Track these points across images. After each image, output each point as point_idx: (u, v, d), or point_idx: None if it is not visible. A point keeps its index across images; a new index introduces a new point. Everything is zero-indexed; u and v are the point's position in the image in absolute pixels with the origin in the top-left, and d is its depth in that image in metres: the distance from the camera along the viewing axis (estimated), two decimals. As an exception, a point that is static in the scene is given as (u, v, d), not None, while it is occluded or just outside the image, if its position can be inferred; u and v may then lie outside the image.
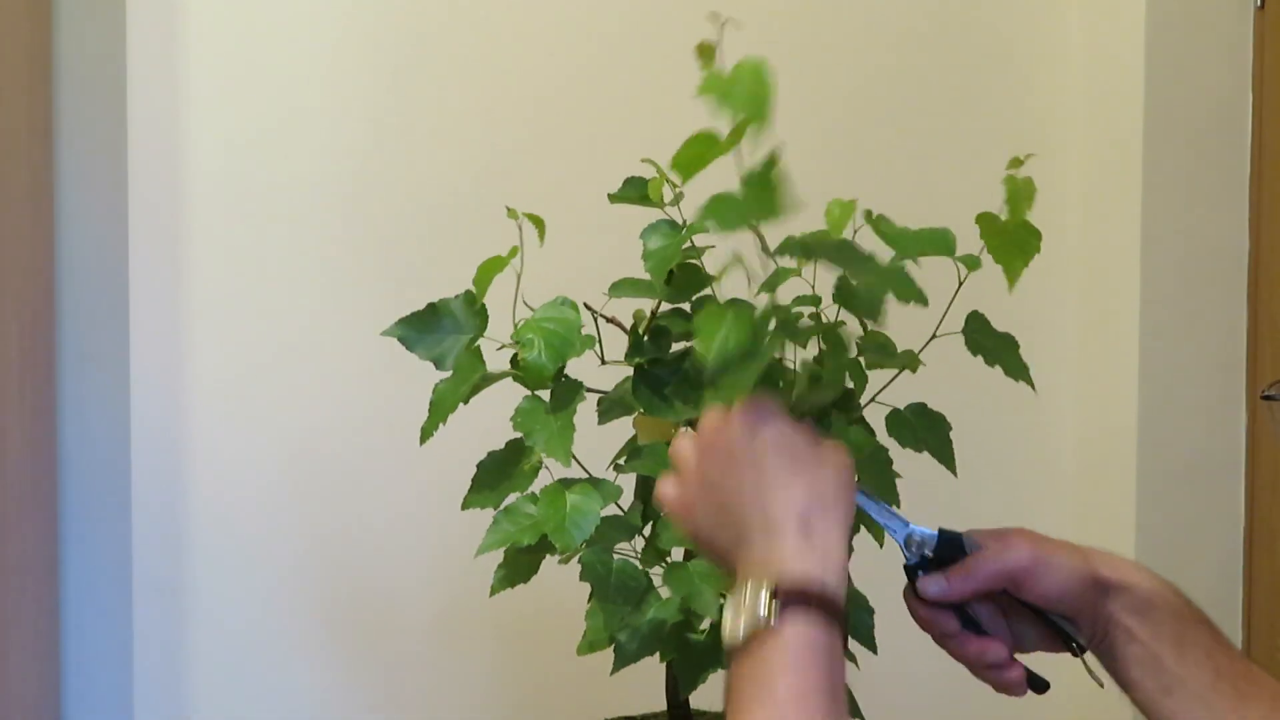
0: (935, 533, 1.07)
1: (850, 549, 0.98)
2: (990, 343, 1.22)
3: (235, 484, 1.85)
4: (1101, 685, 1.09)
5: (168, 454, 1.83)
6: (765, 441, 0.97)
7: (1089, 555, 1.08)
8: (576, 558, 1.18)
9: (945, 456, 1.22)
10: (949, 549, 1.07)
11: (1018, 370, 1.22)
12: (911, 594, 1.07)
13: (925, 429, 1.21)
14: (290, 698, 1.88)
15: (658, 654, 1.20)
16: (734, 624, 0.91)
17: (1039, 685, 1.09)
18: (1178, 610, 1.08)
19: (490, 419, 1.19)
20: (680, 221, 1.20)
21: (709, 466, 0.98)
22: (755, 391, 0.98)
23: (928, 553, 1.07)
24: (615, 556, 1.18)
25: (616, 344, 1.23)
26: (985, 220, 1.19)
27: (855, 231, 1.19)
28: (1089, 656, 1.09)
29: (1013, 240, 1.17)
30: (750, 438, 0.97)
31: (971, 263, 1.19)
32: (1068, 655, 1.11)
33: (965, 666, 1.09)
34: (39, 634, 1.78)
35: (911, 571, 1.07)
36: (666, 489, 1.00)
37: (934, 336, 1.23)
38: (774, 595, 0.90)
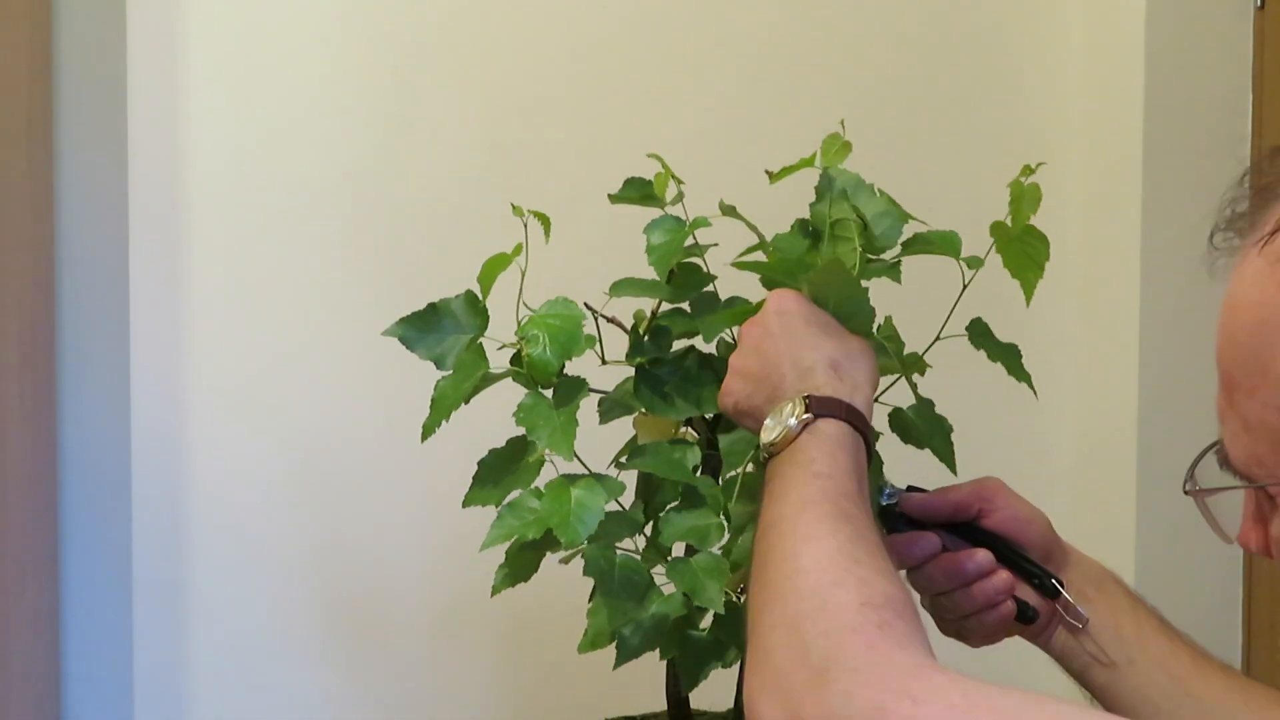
0: (904, 487, 1.17)
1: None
2: (993, 349, 1.23)
3: (236, 484, 1.85)
4: (1081, 625, 1.11)
5: (168, 454, 1.83)
6: (795, 313, 1.07)
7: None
8: (578, 556, 1.19)
9: (946, 455, 1.22)
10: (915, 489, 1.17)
11: (1019, 373, 1.23)
12: (893, 526, 1.14)
13: (927, 429, 1.21)
14: (291, 697, 1.88)
15: (658, 652, 1.20)
16: (772, 429, 1.01)
17: (1027, 613, 1.13)
18: (1126, 588, 1.14)
19: (491, 420, 1.19)
20: (684, 218, 1.21)
21: (747, 339, 1.09)
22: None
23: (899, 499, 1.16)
24: (618, 552, 1.18)
25: (617, 344, 1.23)
26: (999, 229, 1.19)
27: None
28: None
29: (1021, 249, 1.18)
30: (780, 310, 1.08)
31: (973, 262, 1.19)
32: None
33: (948, 603, 1.14)
34: (39, 634, 1.78)
35: (887, 512, 1.14)
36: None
37: (938, 338, 1.23)
38: (807, 409, 1.00)
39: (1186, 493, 0.94)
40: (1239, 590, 1.96)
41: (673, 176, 1.21)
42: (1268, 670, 1.90)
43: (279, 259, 1.85)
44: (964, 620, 1.14)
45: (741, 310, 1.19)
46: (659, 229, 1.20)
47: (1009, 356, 1.23)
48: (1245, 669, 1.91)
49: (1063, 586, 1.12)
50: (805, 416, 1.00)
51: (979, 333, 1.22)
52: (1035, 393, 1.23)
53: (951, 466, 1.22)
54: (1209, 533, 2.04)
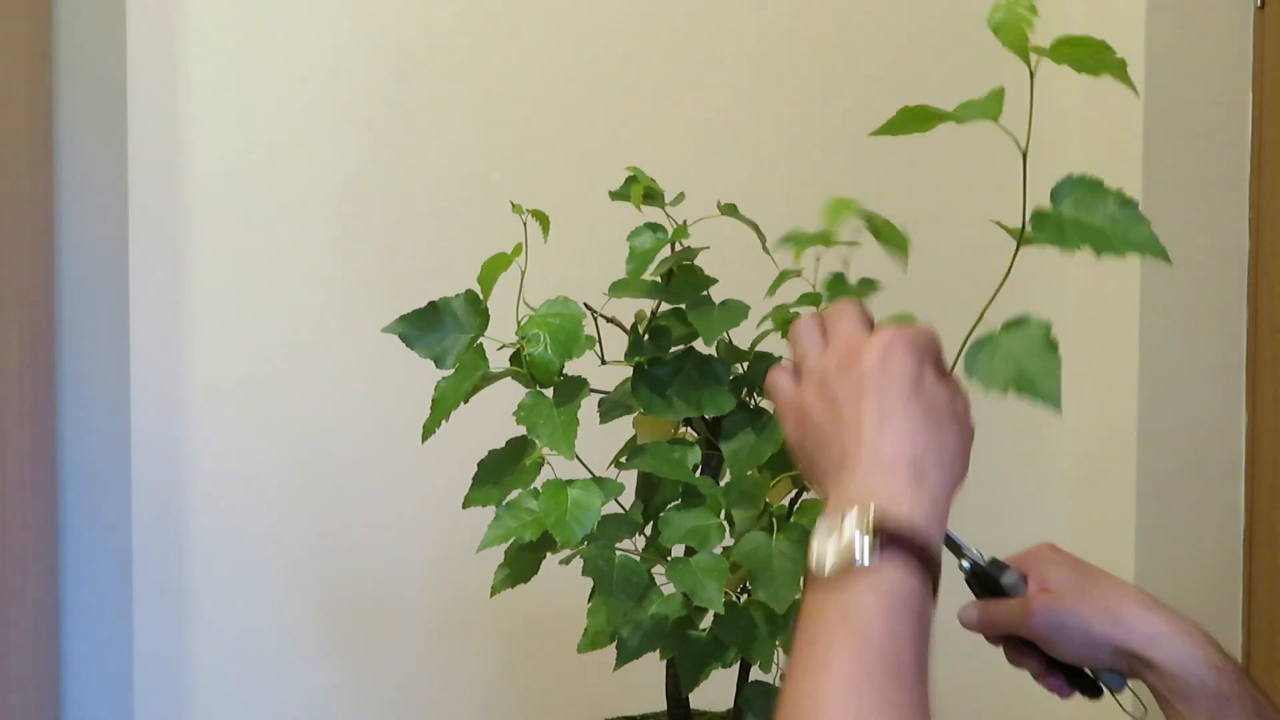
0: (985, 559, 1.08)
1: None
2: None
3: (235, 484, 1.85)
4: (1145, 712, 1.08)
5: (168, 454, 1.83)
6: (900, 375, 0.91)
7: (1120, 613, 1.05)
8: (578, 556, 1.19)
9: None
10: (987, 578, 1.08)
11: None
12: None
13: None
14: (291, 698, 1.88)
15: (658, 652, 1.20)
16: (822, 553, 0.85)
17: (1091, 690, 1.09)
18: (1216, 691, 1.05)
19: (492, 420, 1.19)
20: (672, 222, 1.21)
21: (836, 380, 0.93)
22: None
23: (967, 565, 1.08)
24: (617, 553, 1.18)
25: (617, 344, 1.23)
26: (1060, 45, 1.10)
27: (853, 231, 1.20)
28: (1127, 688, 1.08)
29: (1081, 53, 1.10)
30: (884, 365, 0.92)
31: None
32: None
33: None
34: (39, 634, 1.78)
35: (968, 579, 1.09)
36: (782, 380, 0.97)
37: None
38: (876, 533, 0.84)
39: None
40: (1239, 590, 1.96)
41: (649, 185, 1.21)
42: (1267, 670, 1.90)
43: (279, 259, 1.85)
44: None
45: (736, 312, 1.19)
46: (640, 235, 1.21)
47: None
48: (1245, 668, 1.91)
49: (1120, 689, 1.06)
50: (870, 553, 0.84)
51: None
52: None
53: None
54: (1208, 532, 2.04)
